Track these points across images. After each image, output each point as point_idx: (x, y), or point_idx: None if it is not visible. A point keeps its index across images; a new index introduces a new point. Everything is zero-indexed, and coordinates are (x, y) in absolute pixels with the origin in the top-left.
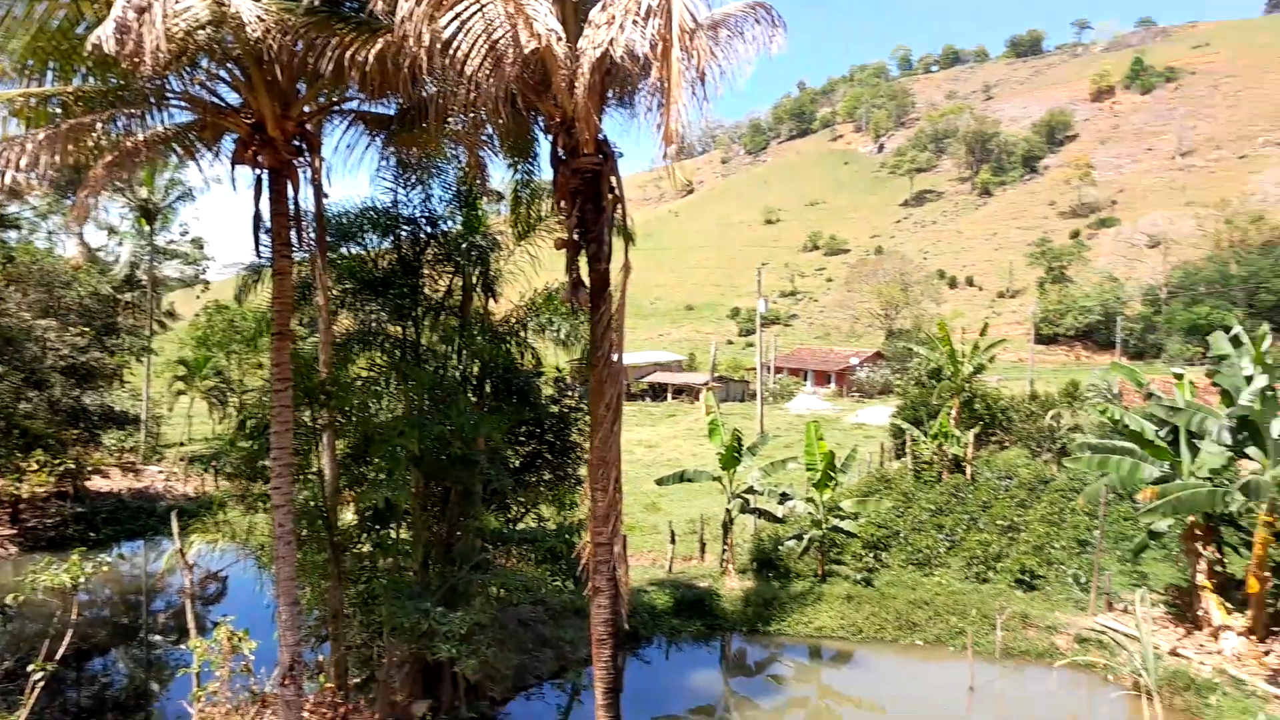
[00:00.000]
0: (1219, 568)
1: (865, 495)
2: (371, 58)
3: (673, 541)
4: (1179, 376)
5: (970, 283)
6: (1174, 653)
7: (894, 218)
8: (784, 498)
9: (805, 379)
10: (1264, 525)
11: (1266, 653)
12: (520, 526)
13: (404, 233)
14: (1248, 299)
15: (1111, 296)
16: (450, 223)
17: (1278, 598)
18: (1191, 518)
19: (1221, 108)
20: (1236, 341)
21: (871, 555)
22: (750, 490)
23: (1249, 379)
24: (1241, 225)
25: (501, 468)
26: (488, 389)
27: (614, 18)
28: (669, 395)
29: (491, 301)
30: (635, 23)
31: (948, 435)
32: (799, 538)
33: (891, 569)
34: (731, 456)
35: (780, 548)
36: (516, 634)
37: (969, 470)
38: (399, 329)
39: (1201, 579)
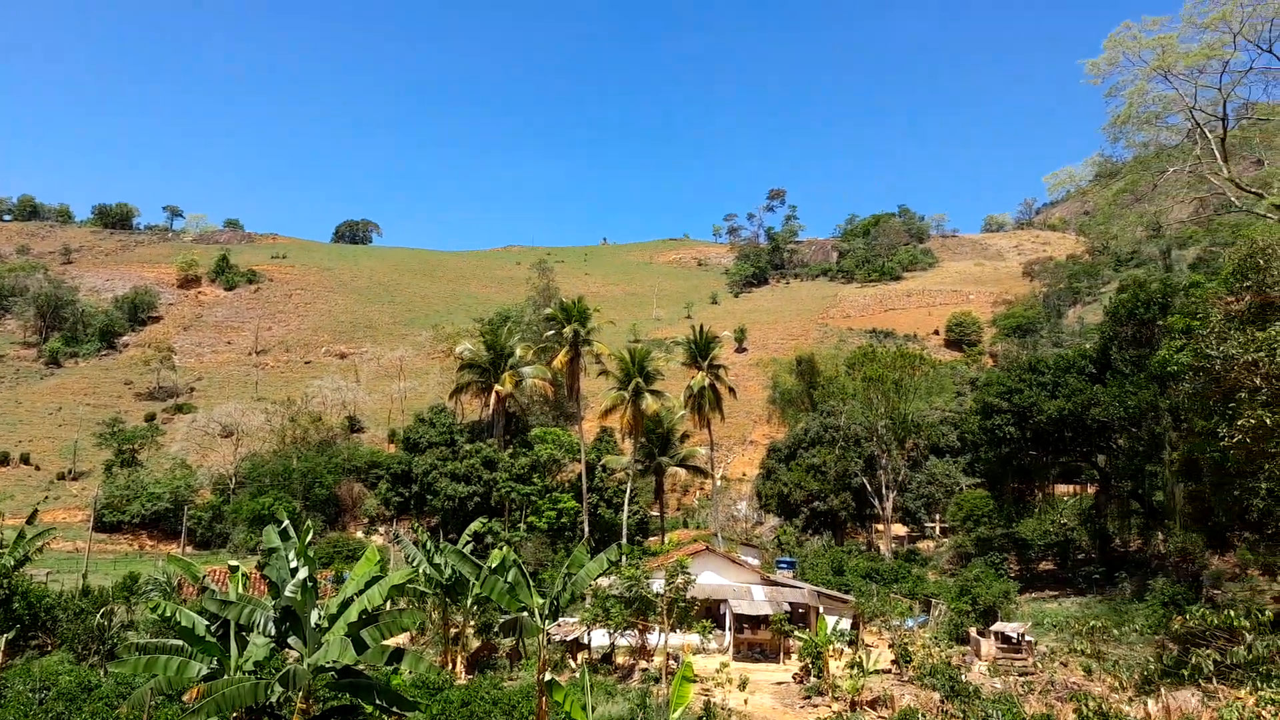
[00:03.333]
0: None
1: None
2: None
3: None
4: (234, 569)
5: (26, 460)
6: None
7: None
8: None
9: None
10: (300, 713)
11: None
12: None
13: None
14: (305, 492)
15: (182, 484)
16: None
17: None
18: (236, 713)
19: (293, 315)
20: (286, 534)
21: None
22: None
23: (294, 571)
24: (304, 423)
25: None
26: None
27: None
28: None
29: None
30: None
31: None
32: None
33: None
34: None
35: None
36: None
37: None
38: None
39: None
